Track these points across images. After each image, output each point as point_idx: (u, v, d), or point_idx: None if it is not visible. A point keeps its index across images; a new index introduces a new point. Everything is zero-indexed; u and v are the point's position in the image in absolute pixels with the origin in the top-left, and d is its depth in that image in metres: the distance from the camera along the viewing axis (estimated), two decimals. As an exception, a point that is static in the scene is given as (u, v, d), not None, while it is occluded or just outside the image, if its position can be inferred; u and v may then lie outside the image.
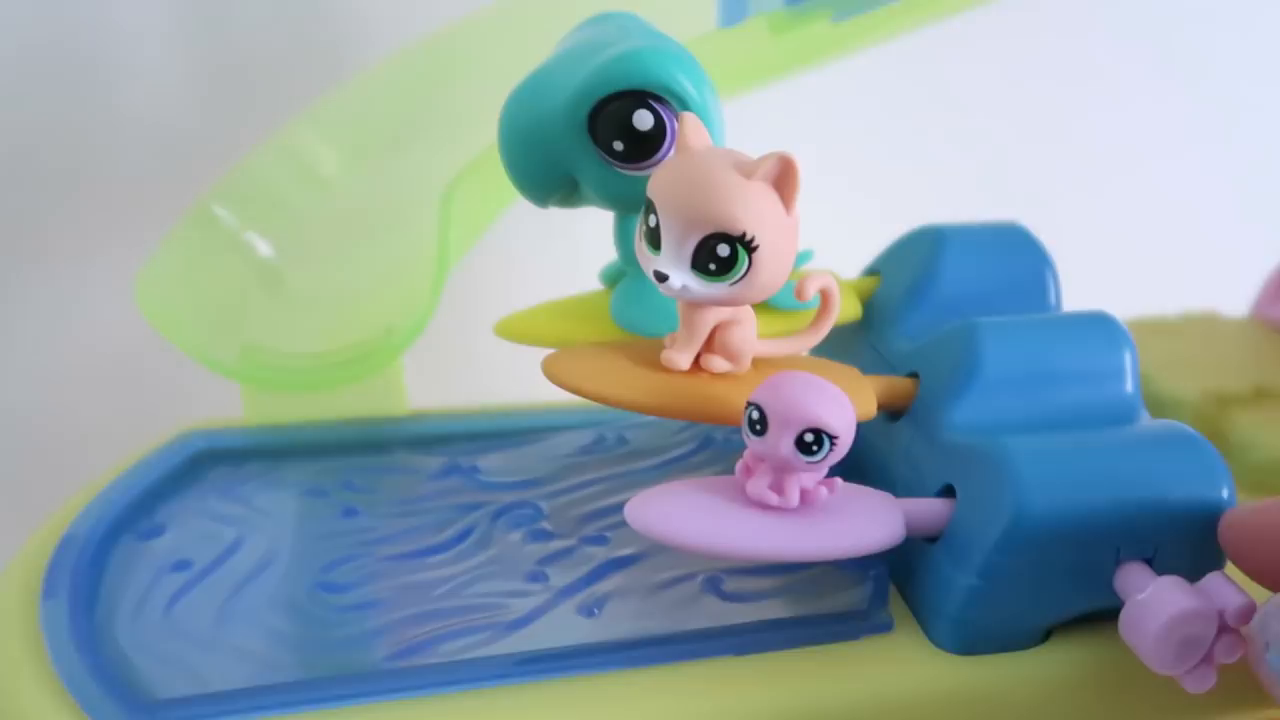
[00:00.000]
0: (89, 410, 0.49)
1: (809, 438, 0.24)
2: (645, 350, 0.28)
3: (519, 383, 0.40)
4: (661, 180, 0.25)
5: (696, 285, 0.25)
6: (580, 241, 0.41)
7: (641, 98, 0.26)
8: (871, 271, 0.34)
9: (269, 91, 0.48)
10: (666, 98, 0.27)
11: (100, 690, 0.24)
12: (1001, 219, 0.34)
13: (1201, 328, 0.39)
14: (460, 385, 0.41)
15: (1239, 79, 0.61)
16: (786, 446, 0.24)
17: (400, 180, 0.36)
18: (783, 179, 0.24)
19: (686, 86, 0.27)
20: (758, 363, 0.28)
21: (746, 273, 0.24)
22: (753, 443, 0.24)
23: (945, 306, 0.32)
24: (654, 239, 0.25)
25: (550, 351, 0.28)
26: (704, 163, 0.24)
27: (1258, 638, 0.22)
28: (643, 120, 0.27)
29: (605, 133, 0.27)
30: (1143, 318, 0.39)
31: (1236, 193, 0.61)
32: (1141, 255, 0.55)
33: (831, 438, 0.24)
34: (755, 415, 0.24)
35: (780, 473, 0.25)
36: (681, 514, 0.25)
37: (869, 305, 0.33)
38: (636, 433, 0.33)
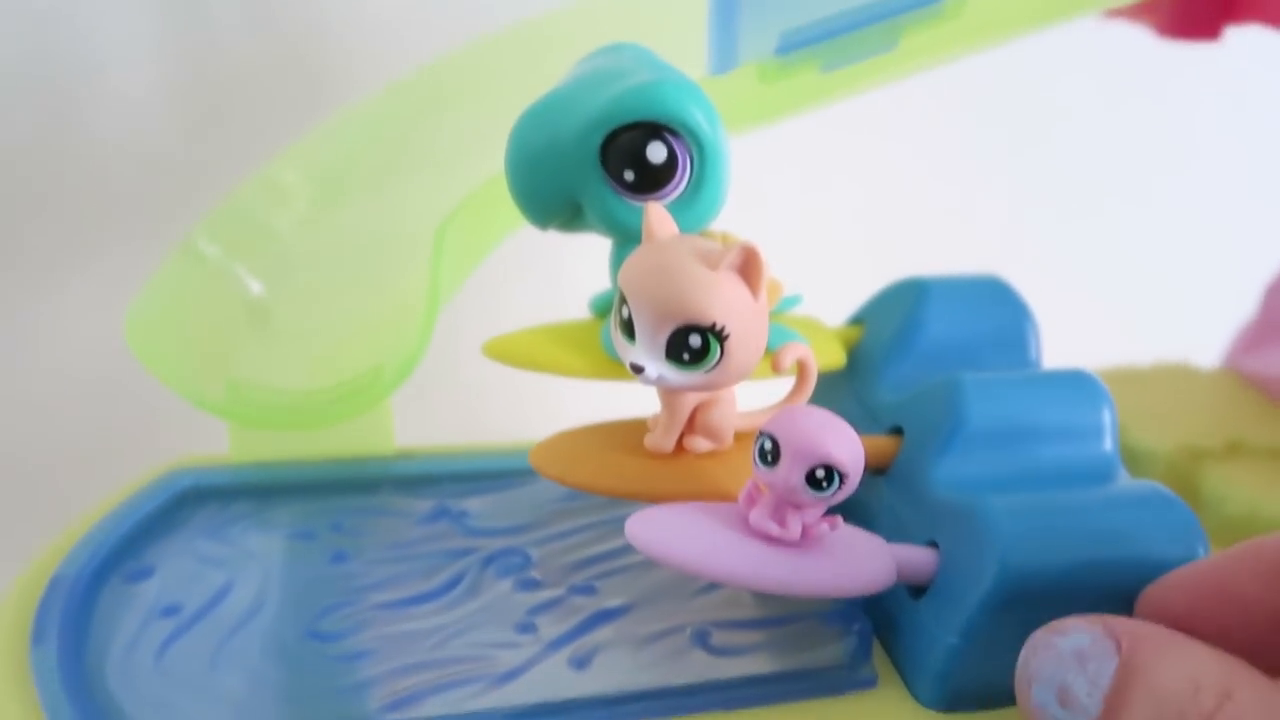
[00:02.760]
0: (60, 436, 0.49)
1: (820, 473, 0.24)
2: (627, 434, 0.29)
3: (502, 414, 0.41)
4: (632, 274, 0.25)
5: (672, 374, 0.25)
6: (566, 277, 0.42)
7: (656, 130, 0.27)
8: (855, 321, 0.35)
9: (250, 114, 0.48)
10: (681, 131, 0.27)
11: (95, 743, 0.24)
12: (978, 271, 0.35)
13: (1173, 378, 0.40)
14: (445, 418, 0.41)
15: (1196, 117, 0.62)
16: (796, 479, 0.24)
17: (391, 216, 0.36)
18: (747, 268, 0.25)
19: (701, 122, 0.27)
20: (740, 436, 0.28)
21: (719, 360, 0.25)
22: (761, 472, 0.25)
23: (928, 358, 0.32)
24: (629, 330, 0.25)
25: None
26: (670, 255, 0.25)
27: (1021, 677, 0.22)
28: (656, 153, 0.27)
29: (617, 162, 0.27)
30: (1114, 367, 0.40)
31: (1207, 239, 0.62)
32: (1110, 301, 0.56)
33: (842, 475, 0.24)
34: (768, 445, 0.25)
35: (784, 505, 0.25)
36: (682, 536, 0.25)
37: (853, 354, 0.34)
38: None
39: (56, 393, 0.48)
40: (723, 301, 0.24)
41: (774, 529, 0.25)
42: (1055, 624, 0.23)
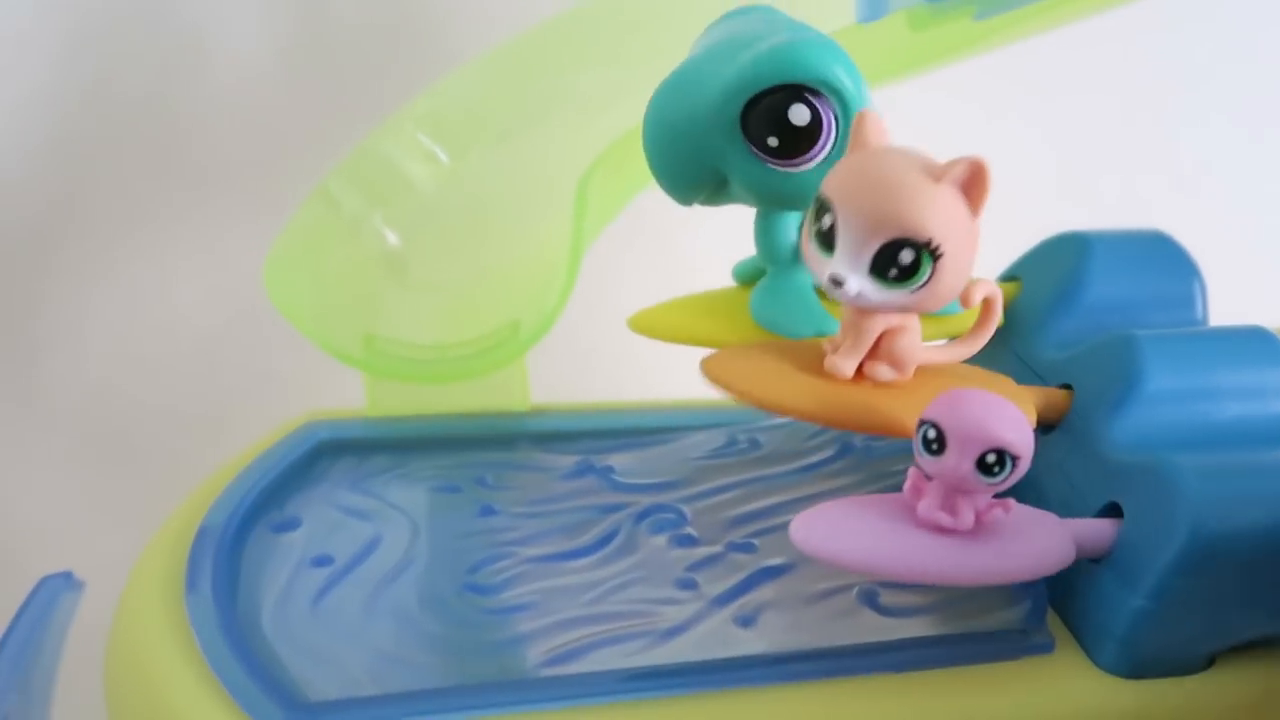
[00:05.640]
0: (174, 393, 0.49)
1: (991, 459, 0.23)
2: (805, 353, 0.27)
3: (636, 380, 0.40)
4: (841, 180, 0.24)
5: (873, 291, 0.24)
6: (704, 234, 0.41)
7: (797, 92, 0.26)
8: (1009, 277, 0.34)
9: (360, 73, 0.48)
10: (824, 91, 0.26)
11: (260, 690, 0.24)
12: (1140, 226, 0.33)
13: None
14: (580, 379, 0.40)
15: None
16: (966, 467, 0.23)
17: (529, 167, 0.35)
18: (972, 184, 0.23)
19: (844, 80, 0.26)
20: (918, 371, 0.27)
21: (928, 281, 0.24)
22: (927, 462, 0.24)
23: (1093, 316, 0.31)
24: (827, 241, 0.24)
25: (709, 352, 0.27)
26: (890, 164, 0.24)
27: None
28: (799, 115, 0.26)
29: (759, 128, 0.26)
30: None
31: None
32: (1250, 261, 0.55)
33: (1014, 458, 0.23)
34: (931, 435, 0.23)
35: (953, 493, 0.24)
36: (850, 535, 0.24)
37: (1010, 311, 0.32)
38: (769, 435, 0.33)
39: (171, 352, 0.48)
40: (942, 217, 0.23)
41: (946, 520, 0.24)
42: None
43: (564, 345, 0.38)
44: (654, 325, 0.30)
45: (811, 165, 0.27)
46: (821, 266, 0.24)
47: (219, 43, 0.46)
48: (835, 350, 0.26)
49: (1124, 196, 0.57)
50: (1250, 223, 0.60)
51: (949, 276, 0.24)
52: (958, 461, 0.23)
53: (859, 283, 0.24)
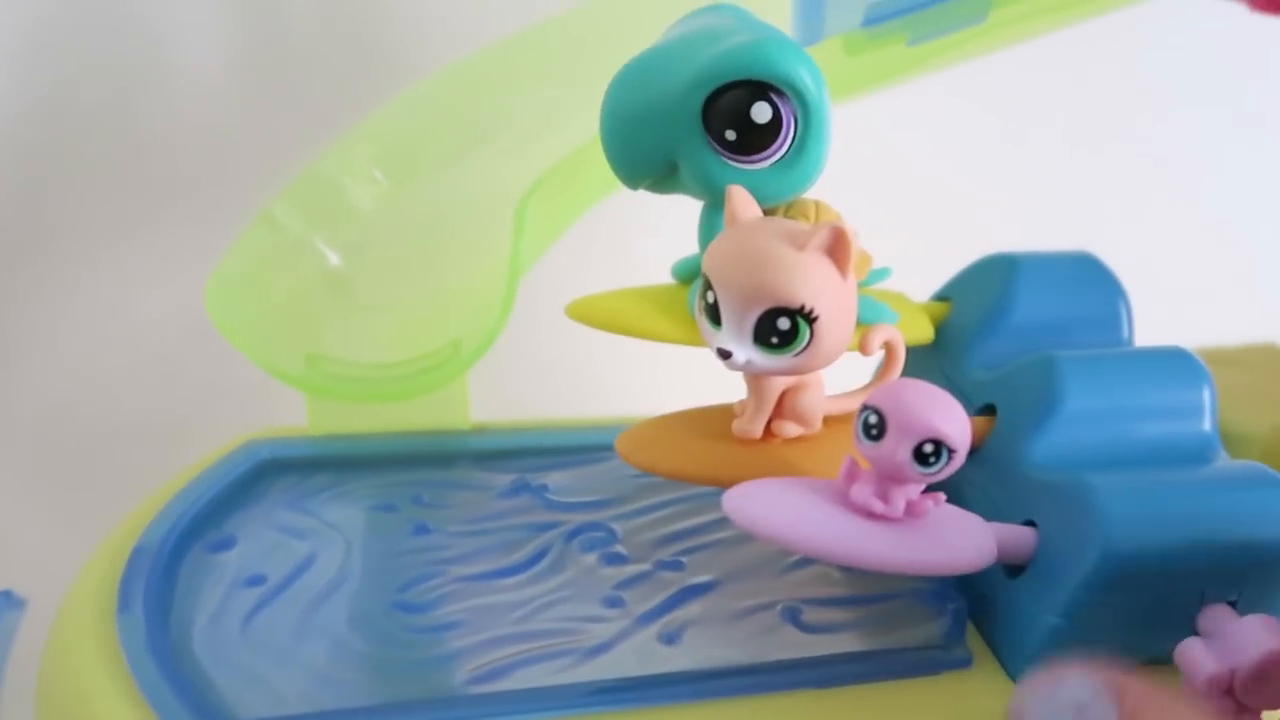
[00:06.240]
0: (134, 407, 0.49)
1: (928, 448, 0.24)
2: (714, 419, 0.28)
3: (574, 389, 0.41)
4: (717, 258, 0.25)
5: (760, 359, 0.25)
6: (658, 247, 0.41)
7: (762, 89, 0.26)
8: (941, 297, 0.34)
9: (312, 92, 0.48)
10: (787, 91, 0.26)
11: (185, 709, 0.24)
12: (1067, 248, 0.34)
13: (1264, 358, 0.39)
14: (517, 392, 0.41)
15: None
16: (903, 455, 0.24)
17: (468, 190, 0.35)
18: (835, 248, 0.24)
19: (809, 82, 0.26)
20: (828, 420, 0.28)
21: (809, 343, 0.25)
22: (865, 447, 0.24)
23: (1019, 336, 0.32)
24: (714, 315, 0.25)
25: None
26: (757, 238, 0.24)
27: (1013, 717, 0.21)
28: (761, 112, 0.26)
29: (719, 121, 0.26)
30: (1201, 347, 0.39)
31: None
32: (1183, 281, 0.55)
33: (950, 450, 0.24)
34: (873, 420, 0.24)
35: (887, 481, 0.25)
36: (780, 510, 0.24)
37: (940, 330, 0.33)
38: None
39: (129, 365, 0.48)
40: (811, 282, 0.24)
41: (877, 505, 0.24)
42: (1057, 672, 0.22)
43: (511, 358, 0.39)
44: (592, 313, 0.30)
45: (766, 164, 0.27)
46: (711, 339, 0.25)
47: (178, 57, 0.47)
48: (742, 413, 0.27)
49: (1076, 213, 0.58)
50: (1206, 239, 0.61)
51: (829, 336, 0.25)
52: (895, 447, 0.24)
53: (745, 352, 0.25)
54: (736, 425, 0.28)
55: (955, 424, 0.24)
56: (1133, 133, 0.59)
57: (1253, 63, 0.59)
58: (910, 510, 0.25)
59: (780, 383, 0.27)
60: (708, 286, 0.25)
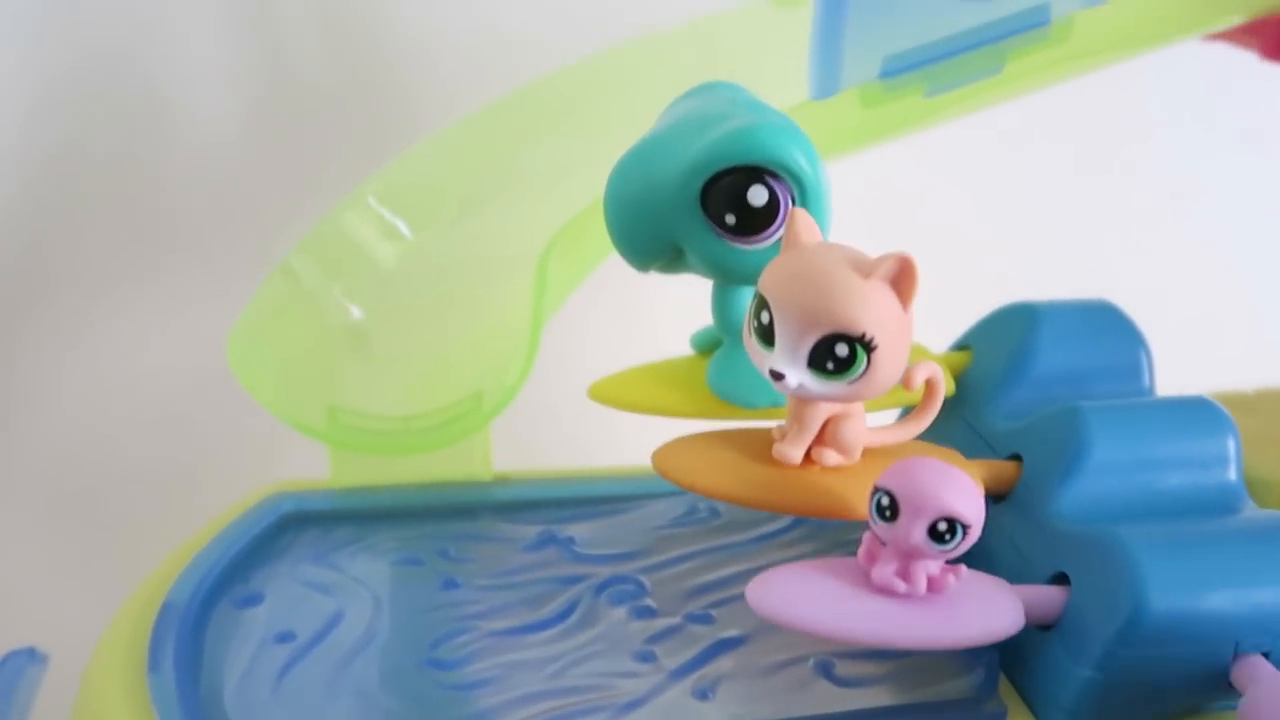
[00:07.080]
0: (138, 455, 0.49)
1: (942, 526, 0.24)
2: (754, 441, 0.28)
3: (604, 439, 0.40)
4: (777, 278, 0.25)
5: (813, 384, 0.25)
6: (666, 295, 0.41)
7: (757, 173, 0.27)
8: (961, 346, 0.34)
9: (323, 142, 0.48)
10: (782, 174, 0.27)
11: (222, 771, 0.24)
12: (1086, 297, 0.34)
13: (1279, 404, 0.39)
14: (545, 440, 0.41)
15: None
16: (919, 534, 0.24)
17: (489, 241, 0.36)
18: (901, 278, 0.24)
19: (803, 164, 0.27)
20: (866, 452, 0.28)
21: (865, 372, 0.25)
22: (880, 528, 0.24)
23: (1041, 386, 0.32)
24: (767, 336, 0.25)
25: (663, 444, 0.29)
26: (822, 262, 0.24)
27: None
28: (757, 196, 0.27)
29: (717, 205, 0.27)
30: (1218, 392, 0.39)
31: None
32: (1194, 326, 0.56)
33: (965, 526, 0.24)
34: (885, 501, 0.24)
35: (907, 559, 0.25)
36: (806, 599, 0.25)
37: (961, 381, 0.33)
38: (729, 504, 0.33)
39: (135, 413, 0.48)
40: (874, 311, 0.24)
41: (900, 586, 0.25)
42: None
43: (528, 407, 0.39)
44: (613, 395, 0.31)
45: (767, 243, 0.27)
46: (762, 360, 0.25)
47: (186, 108, 0.47)
48: (783, 438, 0.27)
49: (1081, 251, 0.58)
50: (1206, 277, 0.61)
51: (885, 367, 0.25)
52: (909, 528, 0.24)
53: (799, 376, 0.25)
54: (777, 449, 0.27)
55: (968, 501, 0.24)
56: (1142, 164, 0.59)
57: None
58: (932, 586, 0.25)
59: (825, 409, 0.27)
60: (761, 306, 0.25)
